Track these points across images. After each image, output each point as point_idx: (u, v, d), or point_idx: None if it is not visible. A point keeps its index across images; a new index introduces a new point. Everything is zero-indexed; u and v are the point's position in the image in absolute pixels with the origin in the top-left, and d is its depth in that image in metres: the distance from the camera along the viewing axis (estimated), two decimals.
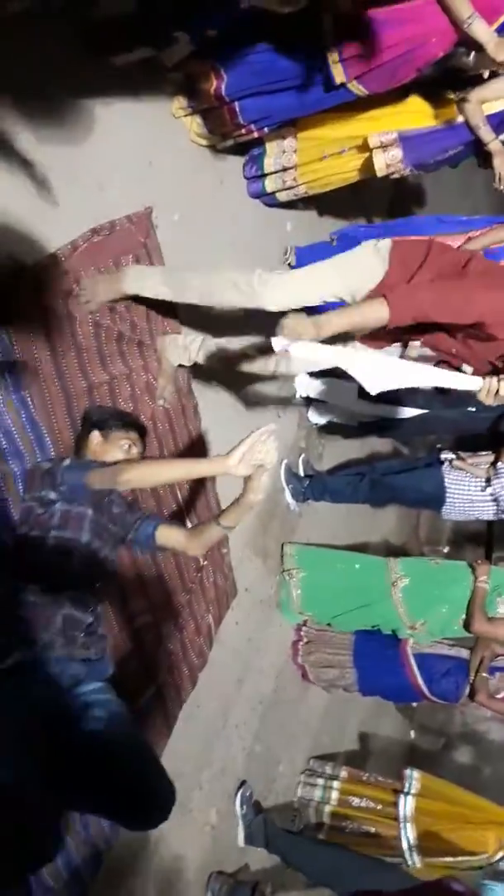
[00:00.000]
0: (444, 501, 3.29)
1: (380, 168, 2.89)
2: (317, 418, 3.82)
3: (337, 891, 2.84)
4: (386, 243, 2.17)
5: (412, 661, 3.37)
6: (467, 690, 3.25)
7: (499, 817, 3.33)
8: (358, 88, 2.49)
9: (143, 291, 2.28)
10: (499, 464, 3.19)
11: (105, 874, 2.16)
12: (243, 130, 2.63)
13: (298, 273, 2.33)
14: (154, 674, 2.42)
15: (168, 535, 2.02)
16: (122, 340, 2.32)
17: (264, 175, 3.06)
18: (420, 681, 3.35)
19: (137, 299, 2.32)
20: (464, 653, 3.40)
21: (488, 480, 3.20)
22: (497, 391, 2.06)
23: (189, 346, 2.53)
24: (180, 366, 2.60)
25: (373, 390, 2.14)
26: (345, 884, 2.78)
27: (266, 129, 2.67)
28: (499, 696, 3.28)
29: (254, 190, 3.15)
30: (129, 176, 2.36)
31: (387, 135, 2.83)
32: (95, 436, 2.01)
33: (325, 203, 3.88)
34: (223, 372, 2.92)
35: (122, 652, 2.26)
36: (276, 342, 2.03)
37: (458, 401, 3.09)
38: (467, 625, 3.09)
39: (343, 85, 2.46)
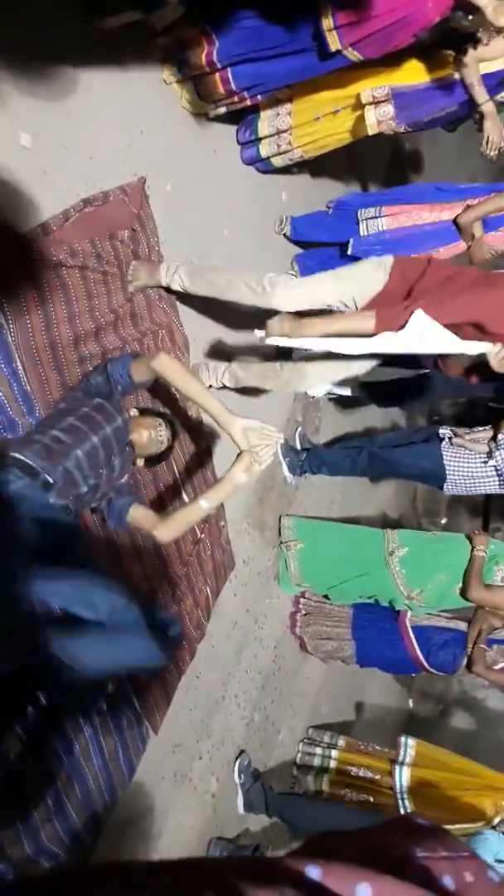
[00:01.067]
0: (446, 478, 3.30)
1: (371, 125, 2.84)
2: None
3: None
4: (389, 259, 2.37)
5: (411, 634, 3.39)
6: (465, 662, 3.28)
7: (495, 783, 3.38)
8: (353, 54, 2.44)
9: (173, 284, 2.48)
10: (500, 436, 3.19)
11: (106, 840, 2.19)
12: (236, 98, 2.58)
13: (306, 280, 2.53)
14: None
15: (139, 516, 2.04)
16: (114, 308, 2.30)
17: (258, 139, 3.02)
18: (418, 652, 3.37)
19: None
20: (461, 625, 3.43)
21: (489, 454, 3.20)
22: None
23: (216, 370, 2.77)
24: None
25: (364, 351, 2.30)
26: None
27: (259, 97, 2.62)
28: (496, 667, 3.31)
29: (248, 156, 3.09)
30: (119, 144, 2.33)
31: (379, 90, 2.79)
32: (133, 410, 2.19)
33: (320, 171, 3.83)
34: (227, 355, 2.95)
35: None
36: (258, 333, 2.30)
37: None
38: (464, 592, 3.11)
39: (338, 52, 2.42)
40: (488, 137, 2.80)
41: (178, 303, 2.67)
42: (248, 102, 2.62)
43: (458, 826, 3.18)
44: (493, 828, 3.11)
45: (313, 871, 0.56)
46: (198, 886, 0.54)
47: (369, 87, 2.79)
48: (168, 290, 2.55)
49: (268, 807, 2.99)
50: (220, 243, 3.00)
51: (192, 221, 2.77)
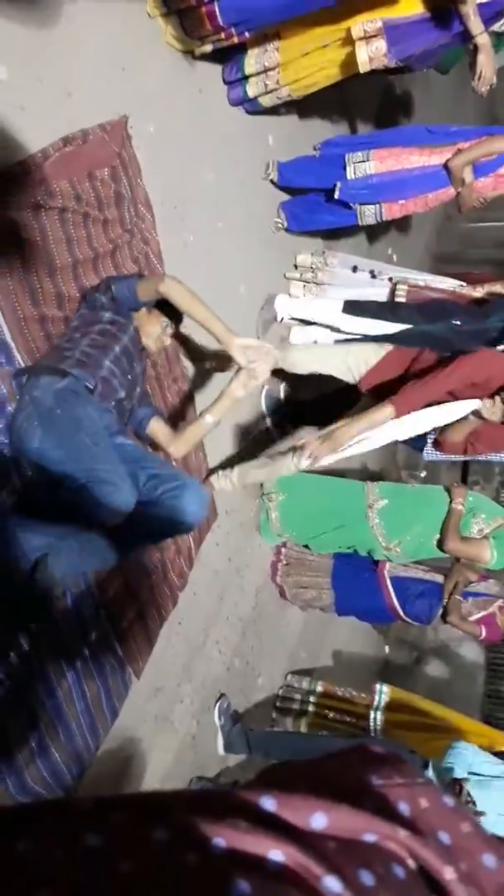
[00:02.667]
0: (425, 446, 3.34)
1: (362, 62, 2.75)
2: (299, 340, 3.77)
3: None
4: (388, 347, 2.82)
5: (388, 584, 3.46)
6: (440, 612, 3.36)
7: (466, 727, 3.51)
8: None
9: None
10: None
11: (89, 781, 2.25)
12: (223, 35, 2.47)
13: (316, 353, 3.01)
14: (136, 593, 2.46)
15: (157, 430, 2.32)
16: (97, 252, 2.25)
17: (245, 78, 2.91)
18: (395, 602, 3.45)
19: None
20: (438, 577, 3.50)
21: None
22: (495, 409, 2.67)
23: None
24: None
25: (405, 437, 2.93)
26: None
27: (247, 34, 2.52)
28: (471, 618, 3.40)
29: (235, 96, 2.99)
30: (99, 81, 2.23)
31: (371, 23, 2.68)
32: (143, 309, 2.23)
33: (308, 113, 3.73)
34: None
35: (104, 573, 2.29)
36: (303, 463, 2.76)
37: (441, 313, 3.06)
38: (440, 544, 3.16)
39: None
40: (480, 72, 2.71)
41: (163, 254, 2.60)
42: (236, 40, 2.52)
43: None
44: None
45: (267, 802, 0.56)
46: (148, 822, 0.53)
47: (360, 21, 2.68)
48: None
49: (249, 745, 3.07)
50: (205, 187, 2.92)
51: (175, 164, 2.70)
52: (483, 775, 2.58)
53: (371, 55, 2.73)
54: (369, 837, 0.56)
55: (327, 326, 3.29)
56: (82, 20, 2.12)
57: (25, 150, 1.94)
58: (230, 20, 2.42)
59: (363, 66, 2.76)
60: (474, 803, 2.36)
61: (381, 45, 2.70)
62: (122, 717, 2.40)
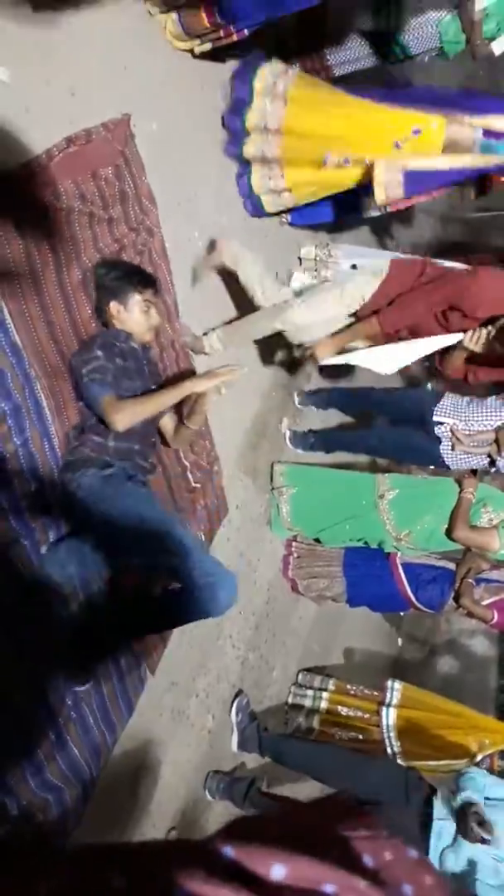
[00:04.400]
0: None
1: (380, 200, 2.92)
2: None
3: (329, 783, 3.01)
4: (385, 268, 2.79)
5: (400, 570, 3.47)
6: (452, 597, 3.36)
7: (479, 723, 3.50)
8: None
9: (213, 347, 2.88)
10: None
11: (108, 776, 2.27)
12: (221, 32, 2.48)
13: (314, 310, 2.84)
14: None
15: (165, 422, 2.39)
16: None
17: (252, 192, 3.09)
18: (407, 588, 3.45)
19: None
20: (450, 565, 3.50)
21: (492, 461, 3.21)
22: (479, 338, 2.72)
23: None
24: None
25: (390, 371, 2.92)
26: (333, 777, 2.94)
27: (246, 32, 2.52)
28: (483, 602, 3.40)
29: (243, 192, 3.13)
30: (102, 81, 2.25)
31: (389, 172, 2.82)
32: (114, 306, 2.16)
33: None
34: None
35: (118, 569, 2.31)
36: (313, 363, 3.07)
37: None
38: (449, 532, 3.16)
39: None
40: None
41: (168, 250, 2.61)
42: (235, 38, 2.52)
43: (443, 762, 3.32)
44: (476, 765, 3.25)
45: (228, 852, 0.58)
46: (109, 870, 0.55)
47: (381, 164, 2.80)
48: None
49: (261, 747, 3.09)
50: (209, 183, 2.93)
51: (179, 162, 2.71)
52: (494, 799, 2.57)
53: (387, 186, 2.86)
54: (329, 888, 0.58)
55: None
56: (83, 20, 2.13)
57: (30, 151, 1.96)
58: (228, 17, 2.42)
59: (381, 201, 2.93)
60: (491, 827, 2.36)
61: (399, 192, 2.88)
62: (138, 712, 2.43)
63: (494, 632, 6.03)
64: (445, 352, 2.90)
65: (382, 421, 3.81)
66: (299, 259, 3.67)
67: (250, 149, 2.94)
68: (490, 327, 2.67)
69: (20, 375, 1.94)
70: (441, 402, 3.28)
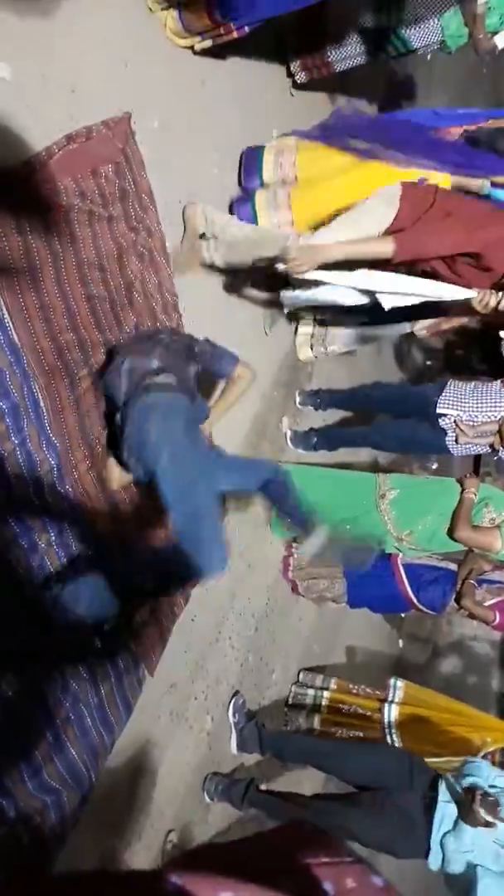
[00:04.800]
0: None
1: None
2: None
3: (332, 771, 2.99)
4: (397, 191, 2.46)
5: (401, 570, 3.45)
6: (453, 598, 3.34)
7: (481, 721, 3.50)
8: None
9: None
10: None
11: (107, 778, 2.26)
12: (221, 29, 2.46)
13: (322, 233, 2.56)
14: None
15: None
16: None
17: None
18: (408, 588, 3.43)
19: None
20: (452, 566, 3.48)
21: (494, 450, 3.21)
22: (488, 302, 2.45)
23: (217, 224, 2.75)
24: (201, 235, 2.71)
25: (387, 305, 2.55)
26: (338, 766, 2.93)
27: (246, 29, 2.50)
28: (485, 603, 3.39)
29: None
30: (103, 78, 2.23)
31: None
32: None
33: (311, 101, 3.72)
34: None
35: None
36: (279, 267, 2.44)
37: None
38: (451, 532, 3.14)
39: None
40: None
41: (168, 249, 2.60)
42: (235, 35, 2.51)
43: (444, 759, 3.31)
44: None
45: (176, 882, 0.57)
46: None
47: None
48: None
49: (262, 744, 3.07)
50: (210, 181, 2.92)
51: (180, 159, 2.69)
52: (495, 787, 2.58)
53: None
54: None
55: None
56: (84, 17, 2.12)
57: (30, 148, 1.95)
58: (229, 13, 2.40)
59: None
60: (501, 810, 2.36)
61: None
62: (137, 714, 2.41)
63: (496, 633, 6.02)
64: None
65: (384, 416, 3.80)
66: None
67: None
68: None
69: (18, 374, 1.93)
70: (444, 394, 3.30)
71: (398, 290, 2.51)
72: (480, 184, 2.79)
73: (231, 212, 2.99)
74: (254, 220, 2.93)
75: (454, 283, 2.52)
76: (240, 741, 3.10)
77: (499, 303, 2.48)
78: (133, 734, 2.42)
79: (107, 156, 2.20)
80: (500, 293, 2.49)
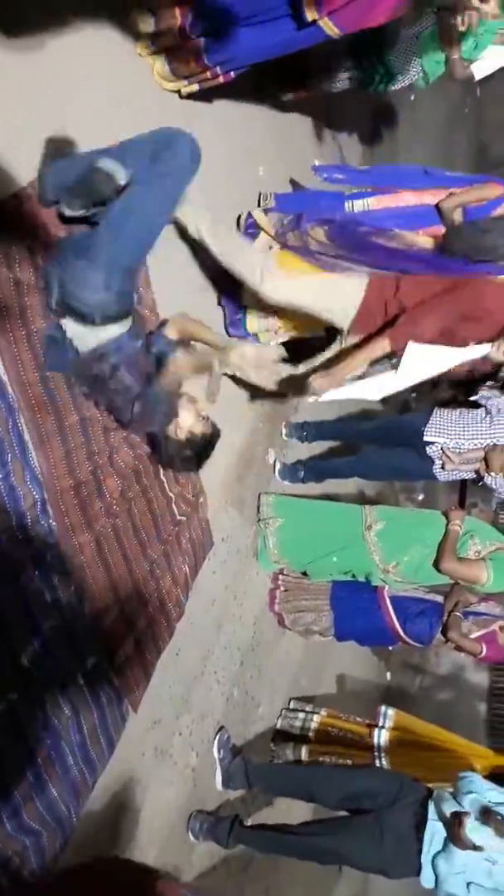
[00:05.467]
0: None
1: None
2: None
3: (321, 798, 2.95)
4: (365, 279, 2.66)
5: (388, 603, 3.45)
6: (440, 631, 3.34)
7: (470, 750, 3.50)
8: (329, 27, 2.41)
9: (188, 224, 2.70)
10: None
11: (88, 817, 2.22)
12: (208, 73, 2.53)
13: (293, 281, 2.74)
14: (132, 625, 2.44)
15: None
16: None
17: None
18: (395, 621, 3.43)
19: None
20: (438, 598, 3.49)
21: (479, 478, 3.28)
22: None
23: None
24: None
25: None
26: (328, 794, 2.90)
27: (232, 74, 2.57)
28: (471, 636, 3.39)
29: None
30: (91, 117, 2.28)
31: None
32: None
33: (296, 141, 3.80)
34: None
35: (99, 605, 2.28)
36: (310, 399, 2.72)
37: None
38: (437, 564, 3.16)
39: (314, 22, 2.38)
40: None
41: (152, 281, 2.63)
42: (221, 80, 2.57)
43: (432, 784, 3.30)
44: None
45: None
46: None
47: None
48: None
49: (248, 779, 3.03)
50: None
51: None
52: (492, 803, 2.57)
53: None
54: None
55: None
56: (75, 59, 2.18)
57: (18, 182, 1.98)
58: (215, 59, 2.47)
59: None
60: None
61: None
62: (120, 750, 2.38)
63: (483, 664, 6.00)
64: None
65: (371, 447, 3.82)
66: None
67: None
68: None
69: (3, 408, 1.94)
70: (430, 422, 3.34)
71: (424, 374, 2.62)
72: None
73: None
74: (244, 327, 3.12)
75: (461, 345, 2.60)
76: (225, 777, 3.05)
77: None
78: (116, 772, 2.39)
79: None
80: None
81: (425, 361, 2.55)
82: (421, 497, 5.90)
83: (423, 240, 2.91)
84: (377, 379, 2.67)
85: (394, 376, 2.59)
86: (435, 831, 2.51)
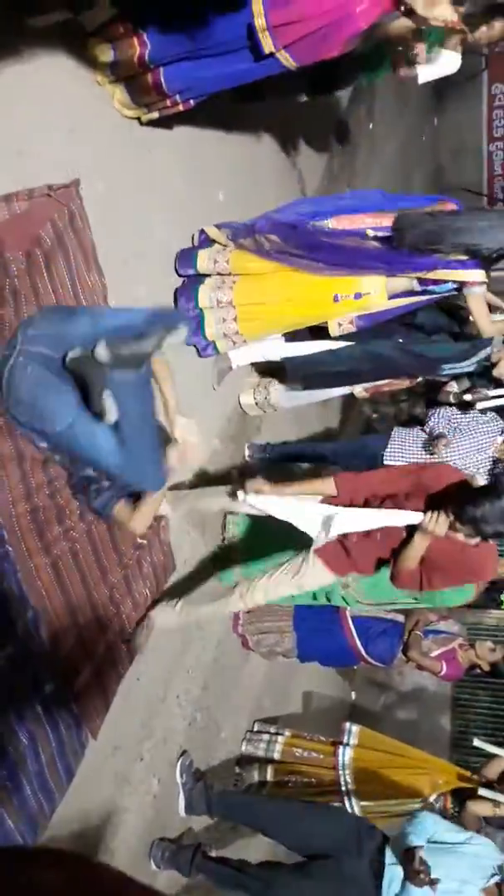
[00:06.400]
0: None
1: (333, 330, 3.13)
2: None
3: (279, 838, 2.93)
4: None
5: (350, 623, 3.48)
6: (401, 650, 3.38)
7: (434, 765, 3.54)
8: (286, 59, 2.47)
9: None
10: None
11: (47, 844, 2.17)
12: (168, 102, 2.57)
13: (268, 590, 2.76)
14: (91, 651, 2.42)
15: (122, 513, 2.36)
16: None
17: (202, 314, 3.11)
18: (357, 642, 3.46)
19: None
20: (399, 618, 3.53)
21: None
22: (436, 521, 2.34)
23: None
24: None
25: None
26: (284, 831, 2.87)
27: (192, 102, 2.61)
28: (431, 654, 3.43)
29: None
30: (50, 142, 2.30)
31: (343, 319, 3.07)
32: None
33: (257, 168, 3.85)
34: None
35: (57, 629, 2.26)
36: (240, 497, 2.62)
37: (385, 330, 3.23)
38: (393, 578, 3.18)
39: (272, 55, 2.44)
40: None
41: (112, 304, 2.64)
42: (181, 108, 2.61)
43: (396, 801, 3.33)
44: (430, 805, 3.25)
45: None
46: None
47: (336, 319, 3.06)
48: None
49: (210, 806, 3.00)
50: (155, 244, 2.99)
51: (126, 222, 2.76)
52: (445, 843, 2.59)
53: (340, 323, 3.09)
54: None
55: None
56: (33, 86, 2.20)
57: None
58: (174, 87, 2.51)
59: (333, 331, 3.12)
60: (429, 870, 2.37)
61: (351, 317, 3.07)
62: (79, 778, 2.34)
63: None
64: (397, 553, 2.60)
65: (334, 468, 3.86)
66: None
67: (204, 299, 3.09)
68: (447, 511, 2.35)
69: None
70: (390, 445, 3.38)
71: (358, 525, 2.53)
72: (408, 282, 3.02)
73: (175, 302, 3.12)
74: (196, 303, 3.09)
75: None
76: (187, 803, 3.02)
77: (448, 516, 2.37)
78: (74, 800, 2.35)
79: (49, 219, 2.24)
80: (441, 513, 2.39)
81: (358, 516, 2.52)
82: None
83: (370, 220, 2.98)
84: (314, 511, 2.58)
85: (325, 519, 2.52)
86: (393, 876, 2.51)
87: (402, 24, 2.68)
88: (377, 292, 2.99)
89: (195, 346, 3.19)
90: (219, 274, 3.07)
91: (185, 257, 3.11)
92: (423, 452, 3.31)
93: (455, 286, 2.97)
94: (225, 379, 3.52)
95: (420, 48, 3.18)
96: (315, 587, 2.82)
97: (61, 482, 2.32)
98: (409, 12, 2.44)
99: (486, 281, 2.95)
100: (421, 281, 3.00)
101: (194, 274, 3.10)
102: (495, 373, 3.29)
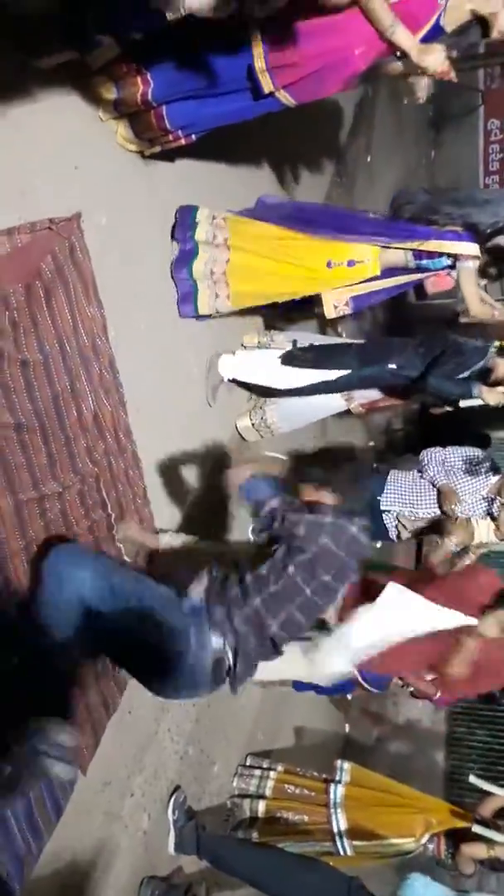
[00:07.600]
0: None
1: (329, 311, 3.19)
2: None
3: (267, 892, 2.88)
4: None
5: None
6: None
7: (427, 804, 3.49)
8: (286, 98, 2.52)
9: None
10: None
11: (33, 885, 2.13)
12: (170, 137, 2.61)
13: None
14: (82, 686, 2.39)
15: None
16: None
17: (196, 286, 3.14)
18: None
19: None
20: None
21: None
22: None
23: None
24: None
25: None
26: (272, 886, 2.82)
27: (193, 137, 2.66)
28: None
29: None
30: (52, 180, 2.32)
31: (338, 300, 3.13)
32: None
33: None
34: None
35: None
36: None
37: (378, 355, 3.23)
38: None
39: (272, 94, 2.48)
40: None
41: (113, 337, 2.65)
42: (183, 142, 2.66)
43: (387, 841, 3.27)
44: (424, 846, 3.19)
45: None
46: None
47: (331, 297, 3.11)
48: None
49: (199, 848, 2.95)
50: (158, 278, 3.01)
51: (128, 255, 2.78)
52: None
53: (335, 304, 3.15)
54: None
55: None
56: (37, 124, 2.23)
57: None
58: (177, 124, 2.55)
59: (329, 312, 3.18)
60: None
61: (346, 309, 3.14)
62: (68, 815, 2.30)
63: (441, 714, 5.99)
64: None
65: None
66: (242, 346, 3.73)
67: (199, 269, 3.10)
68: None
69: None
70: (386, 490, 3.36)
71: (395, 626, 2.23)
72: (403, 255, 3.03)
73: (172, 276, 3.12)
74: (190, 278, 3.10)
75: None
76: (178, 840, 2.97)
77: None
78: (63, 838, 2.30)
79: (50, 252, 2.26)
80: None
81: (406, 608, 2.19)
82: (379, 544, 5.93)
83: None
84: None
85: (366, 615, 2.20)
86: None
87: (399, 66, 2.75)
88: (370, 261, 3.01)
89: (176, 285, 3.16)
90: (214, 238, 3.09)
91: (183, 226, 3.13)
92: (431, 504, 3.26)
93: (449, 262, 2.99)
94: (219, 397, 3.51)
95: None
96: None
97: (54, 511, 2.31)
98: (404, 55, 2.49)
99: (479, 256, 2.96)
100: (416, 255, 3.02)
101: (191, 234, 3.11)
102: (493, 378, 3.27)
